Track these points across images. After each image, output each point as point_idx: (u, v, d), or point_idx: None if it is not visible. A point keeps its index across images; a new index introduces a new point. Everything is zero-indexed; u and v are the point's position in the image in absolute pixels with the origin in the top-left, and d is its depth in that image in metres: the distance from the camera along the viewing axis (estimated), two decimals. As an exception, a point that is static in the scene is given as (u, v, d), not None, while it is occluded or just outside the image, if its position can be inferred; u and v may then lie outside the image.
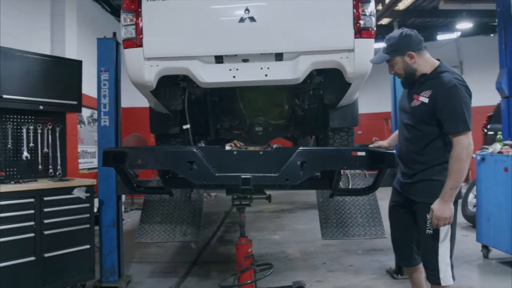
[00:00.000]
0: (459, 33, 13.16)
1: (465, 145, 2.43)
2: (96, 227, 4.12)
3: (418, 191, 2.67)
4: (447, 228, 2.55)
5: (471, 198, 6.73)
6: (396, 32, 2.69)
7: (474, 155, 5.03)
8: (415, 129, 2.66)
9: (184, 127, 3.90)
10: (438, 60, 2.68)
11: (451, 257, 2.60)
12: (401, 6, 10.20)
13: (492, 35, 12.45)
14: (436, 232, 2.55)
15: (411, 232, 2.83)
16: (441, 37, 13.46)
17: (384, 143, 3.19)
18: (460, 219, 6.81)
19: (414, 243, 2.84)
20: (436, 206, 2.50)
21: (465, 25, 12.00)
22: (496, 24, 10.76)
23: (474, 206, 6.46)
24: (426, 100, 2.55)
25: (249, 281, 3.08)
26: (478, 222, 4.94)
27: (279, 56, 3.36)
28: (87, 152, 9.01)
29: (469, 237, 5.87)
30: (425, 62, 2.64)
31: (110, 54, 4.27)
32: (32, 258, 3.45)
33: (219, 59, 3.39)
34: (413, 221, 2.76)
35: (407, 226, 2.83)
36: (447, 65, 2.66)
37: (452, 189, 2.46)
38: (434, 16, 11.78)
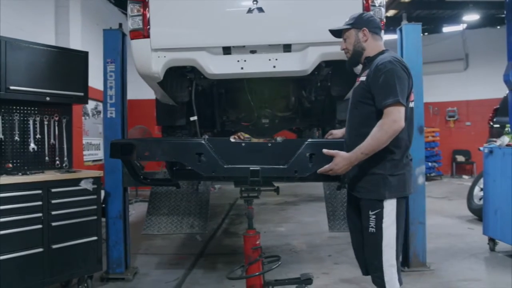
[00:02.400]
0: (465, 25, 13.04)
1: (391, 118, 2.30)
2: (103, 219, 4.12)
3: (360, 187, 2.52)
4: (392, 228, 2.41)
5: (477, 191, 6.71)
6: (359, 12, 2.70)
7: (481, 148, 5.01)
8: (355, 111, 2.57)
9: (192, 118, 3.89)
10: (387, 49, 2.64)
11: (397, 259, 2.44)
12: (407, -3, 10.13)
13: (499, 27, 12.34)
14: (380, 231, 2.40)
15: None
16: (446, 29, 13.37)
17: (338, 132, 3.08)
18: (466, 212, 6.83)
19: None
20: (339, 159, 2.41)
21: (471, 17, 11.91)
22: (503, 16, 10.70)
23: (480, 199, 6.45)
24: (364, 78, 2.50)
25: (257, 273, 3.08)
26: (485, 215, 4.92)
27: (287, 48, 3.33)
28: (91, 144, 9.02)
29: (475, 230, 5.87)
30: (375, 46, 2.59)
31: (116, 45, 4.25)
32: (40, 250, 3.45)
33: (227, 50, 3.37)
34: None
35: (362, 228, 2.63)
36: (392, 51, 2.61)
37: (362, 154, 2.35)
38: (440, 8, 11.66)
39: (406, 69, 2.43)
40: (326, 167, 2.48)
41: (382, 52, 2.56)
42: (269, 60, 3.34)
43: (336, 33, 2.72)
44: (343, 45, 2.68)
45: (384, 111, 2.34)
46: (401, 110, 2.33)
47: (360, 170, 2.48)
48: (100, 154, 9.30)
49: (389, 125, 2.31)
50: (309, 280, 3.25)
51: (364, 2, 3.26)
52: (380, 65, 2.41)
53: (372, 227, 2.43)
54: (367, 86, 2.46)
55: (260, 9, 3.24)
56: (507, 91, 6.14)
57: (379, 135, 2.32)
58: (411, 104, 2.49)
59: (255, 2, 3.25)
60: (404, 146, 2.45)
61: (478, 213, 6.32)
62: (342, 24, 2.66)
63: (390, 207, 2.42)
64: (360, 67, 2.73)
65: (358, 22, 2.59)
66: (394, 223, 2.42)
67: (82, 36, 7.55)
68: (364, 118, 2.49)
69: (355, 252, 2.77)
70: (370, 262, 2.50)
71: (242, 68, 3.37)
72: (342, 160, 2.42)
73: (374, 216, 2.42)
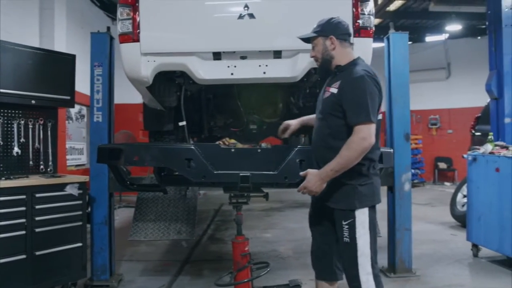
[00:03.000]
0: (447, 35, 13.30)
1: (361, 135, 2.33)
2: (88, 225, 4.05)
3: (332, 197, 2.50)
4: (365, 237, 2.42)
5: (459, 197, 6.81)
6: (328, 17, 2.64)
7: (465, 156, 5.10)
8: (324, 122, 2.55)
9: (180, 124, 3.86)
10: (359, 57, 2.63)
11: (373, 266, 2.44)
12: (392, 7, 10.28)
13: (479, 37, 12.62)
14: (354, 241, 2.41)
15: (330, 243, 2.66)
16: (429, 38, 13.59)
17: (293, 121, 3.05)
18: (449, 218, 6.93)
19: (335, 255, 2.65)
20: (310, 177, 2.42)
21: (454, 27, 12.14)
22: (484, 27, 10.99)
23: (463, 205, 6.56)
24: (335, 91, 2.47)
25: (245, 280, 3.06)
26: (468, 222, 5.00)
27: (277, 54, 3.33)
28: (74, 149, 8.89)
29: (458, 236, 5.97)
30: (344, 54, 2.56)
31: (104, 48, 4.21)
32: (23, 256, 3.37)
33: (217, 56, 3.35)
34: (333, 230, 2.58)
35: (326, 236, 2.67)
36: (364, 61, 2.62)
37: (332, 171, 2.36)
38: (424, 18, 11.90)
39: (377, 84, 2.44)
40: (301, 186, 2.49)
41: (354, 62, 2.54)
42: (259, 66, 3.34)
43: (306, 40, 2.70)
44: (312, 53, 2.67)
45: (354, 128, 2.36)
46: (372, 127, 2.36)
47: (331, 181, 2.47)
48: (83, 159, 9.17)
49: (357, 143, 2.33)
50: (298, 287, 3.25)
51: (354, 10, 3.29)
52: (353, 80, 2.41)
53: (346, 237, 2.44)
54: (338, 100, 2.45)
55: (251, 15, 3.24)
56: (489, 100, 6.31)
57: (348, 154, 2.34)
58: (379, 116, 2.53)
59: (246, 8, 3.25)
60: (371, 157, 2.47)
61: (461, 220, 6.42)
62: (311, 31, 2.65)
63: (362, 216, 2.44)
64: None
65: (325, 30, 2.56)
66: (367, 232, 2.44)
67: (67, 39, 7.46)
68: (333, 131, 2.49)
69: (313, 257, 2.80)
70: (347, 272, 2.51)
71: (232, 74, 3.36)
72: (312, 177, 2.44)
73: (347, 226, 2.44)
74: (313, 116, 2.85)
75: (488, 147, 4.72)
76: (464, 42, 13.17)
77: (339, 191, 2.47)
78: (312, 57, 2.68)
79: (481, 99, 7.36)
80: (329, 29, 2.55)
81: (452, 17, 11.11)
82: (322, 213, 2.66)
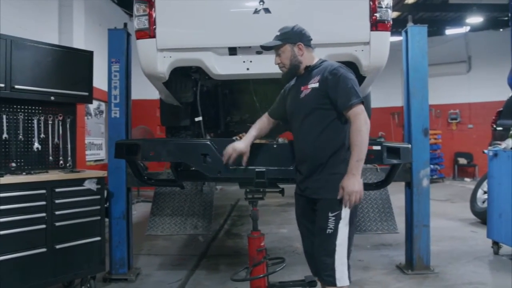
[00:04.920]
0: (468, 28, 13.02)
1: (362, 117, 2.40)
2: (106, 219, 4.11)
3: (318, 188, 2.54)
4: (346, 228, 2.47)
5: (480, 194, 6.69)
6: (290, 25, 2.70)
7: (485, 151, 4.99)
8: (311, 119, 2.57)
9: (196, 119, 3.88)
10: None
11: (348, 257, 2.49)
12: (410, 0, 10.11)
13: (502, 29, 12.32)
14: (336, 231, 2.45)
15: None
16: (449, 31, 13.34)
17: (241, 145, 2.82)
18: (469, 215, 6.82)
19: None
20: (345, 182, 2.40)
21: (475, 19, 11.88)
22: (507, 18, 10.70)
23: (483, 202, 6.44)
24: (316, 85, 2.55)
25: (261, 275, 3.06)
26: (489, 218, 4.90)
27: None
28: (93, 144, 9.02)
29: (478, 233, 5.86)
30: (310, 57, 2.70)
31: (121, 45, 4.24)
32: (44, 250, 3.43)
33: (232, 51, 3.36)
34: None
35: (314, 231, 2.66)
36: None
37: (358, 161, 2.39)
38: (443, 10, 11.65)
39: (353, 73, 2.57)
40: (344, 198, 2.41)
41: (323, 60, 2.69)
42: None
43: (268, 48, 2.74)
44: (277, 59, 2.73)
45: (350, 113, 2.43)
46: (363, 108, 2.45)
47: (319, 172, 2.53)
48: (102, 154, 9.30)
49: (361, 125, 2.40)
50: (313, 283, 3.22)
51: (371, 3, 3.24)
52: (333, 70, 2.51)
53: (330, 228, 2.47)
54: (323, 91, 2.52)
55: (267, 10, 3.23)
56: (511, 94, 6.15)
57: (362, 138, 2.39)
58: None
59: (261, 3, 3.24)
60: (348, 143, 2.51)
61: (482, 216, 6.31)
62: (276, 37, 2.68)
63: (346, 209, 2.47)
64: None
65: (293, 37, 2.64)
66: (348, 223, 2.49)
67: (85, 36, 7.56)
68: (320, 123, 2.54)
69: (307, 257, 2.82)
70: (321, 261, 2.52)
71: (248, 69, 3.36)
72: (349, 182, 2.39)
73: (333, 218, 2.47)
74: (257, 127, 2.89)
75: (510, 142, 4.62)
76: (486, 35, 12.89)
77: (325, 181, 2.51)
78: (277, 64, 2.73)
79: (503, 93, 7.17)
80: (297, 36, 2.65)
81: (473, 9, 10.85)
82: (307, 211, 2.71)
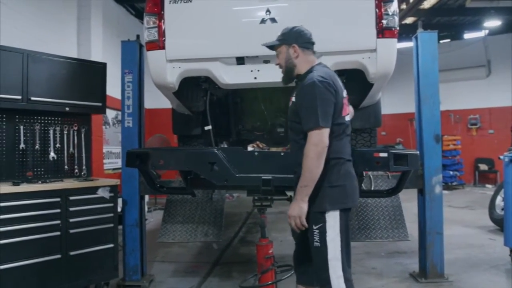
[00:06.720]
0: (487, 31, 12.80)
1: (313, 142, 2.34)
2: (120, 227, 4.19)
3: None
4: (336, 241, 2.41)
5: (499, 200, 6.55)
6: (291, 26, 2.66)
7: (501, 157, 4.90)
8: (291, 131, 2.61)
9: (206, 128, 3.93)
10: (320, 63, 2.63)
11: (345, 269, 2.43)
12: (426, 4, 9.98)
13: (521, 33, 12.09)
14: (324, 244, 2.41)
15: (309, 247, 2.61)
16: (468, 35, 13.13)
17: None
18: (488, 222, 6.67)
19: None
20: (291, 206, 2.43)
21: (493, 23, 11.66)
22: (525, 21, 10.48)
23: (502, 209, 6.29)
24: (294, 99, 2.54)
25: (269, 282, 3.07)
26: (506, 226, 4.79)
27: None
28: (112, 153, 9.17)
29: (497, 241, 5.73)
30: (306, 62, 2.59)
31: (133, 56, 4.35)
32: (58, 256, 3.54)
33: (240, 61, 3.40)
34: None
35: (305, 242, 2.61)
36: (323, 66, 2.60)
37: (302, 187, 2.36)
38: (460, 14, 11.49)
39: (331, 87, 2.42)
40: (289, 222, 2.48)
41: (310, 70, 2.55)
42: None
43: (271, 47, 2.73)
44: (277, 60, 2.71)
45: (307, 135, 2.38)
46: (323, 132, 2.35)
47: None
48: (120, 163, 9.41)
49: (311, 150, 2.35)
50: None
51: (377, 10, 3.25)
52: (304, 87, 2.45)
53: (316, 242, 2.44)
54: (296, 107, 2.50)
55: (273, 20, 3.27)
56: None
57: (307, 163, 2.35)
58: (347, 118, 2.54)
59: (268, 13, 3.28)
60: (339, 156, 2.47)
61: (500, 223, 6.16)
62: (275, 39, 2.67)
63: (333, 220, 2.43)
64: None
65: (288, 38, 2.60)
66: (338, 235, 2.42)
67: (103, 47, 7.75)
68: (296, 136, 2.53)
69: (294, 261, 2.85)
70: (318, 276, 2.50)
71: (255, 78, 3.40)
72: (291, 205, 2.44)
73: (317, 231, 2.44)
74: None
75: (526, 147, 4.53)
76: (505, 38, 12.64)
77: (313, 192, 2.45)
78: (276, 64, 2.72)
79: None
80: (292, 37, 2.60)
81: (491, 13, 10.66)
82: None
